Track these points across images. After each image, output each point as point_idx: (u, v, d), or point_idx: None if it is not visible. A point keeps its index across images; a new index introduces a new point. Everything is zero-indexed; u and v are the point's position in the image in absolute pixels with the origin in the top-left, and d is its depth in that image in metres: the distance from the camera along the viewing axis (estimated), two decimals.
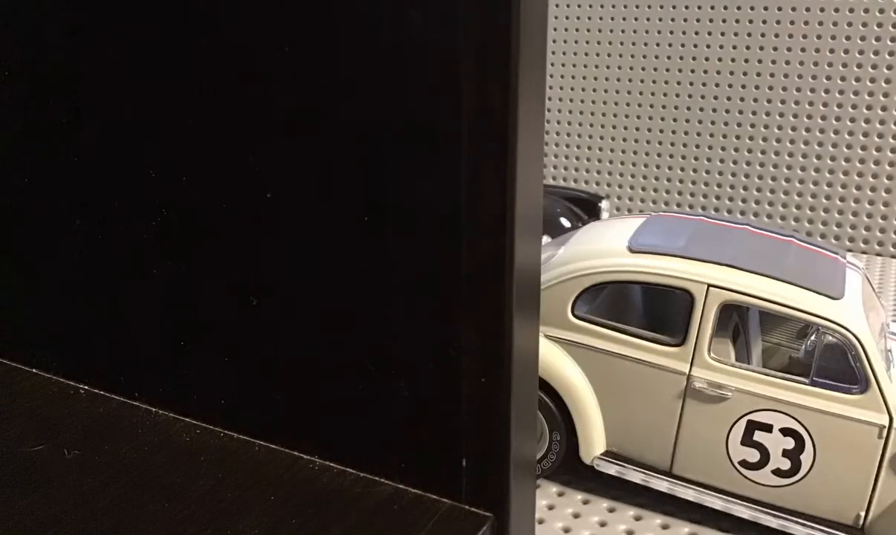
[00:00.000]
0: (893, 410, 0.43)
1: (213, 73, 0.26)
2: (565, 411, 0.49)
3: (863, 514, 0.44)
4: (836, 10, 0.84)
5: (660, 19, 0.94)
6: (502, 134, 0.22)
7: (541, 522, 0.49)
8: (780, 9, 0.87)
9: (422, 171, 0.23)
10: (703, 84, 0.93)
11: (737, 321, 0.49)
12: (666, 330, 0.48)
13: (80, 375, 0.32)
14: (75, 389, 0.32)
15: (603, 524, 0.48)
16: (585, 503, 0.50)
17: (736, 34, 0.90)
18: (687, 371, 0.46)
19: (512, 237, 0.23)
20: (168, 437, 0.29)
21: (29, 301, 0.33)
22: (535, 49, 0.22)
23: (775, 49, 0.88)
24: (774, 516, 0.45)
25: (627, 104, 0.98)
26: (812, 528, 0.45)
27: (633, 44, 0.96)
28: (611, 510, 0.50)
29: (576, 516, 0.49)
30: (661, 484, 0.48)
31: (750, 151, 0.91)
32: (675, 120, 0.95)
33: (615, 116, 0.99)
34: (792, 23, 0.86)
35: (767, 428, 0.45)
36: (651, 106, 0.96)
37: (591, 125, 1.01)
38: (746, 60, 0.90)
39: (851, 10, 0.83)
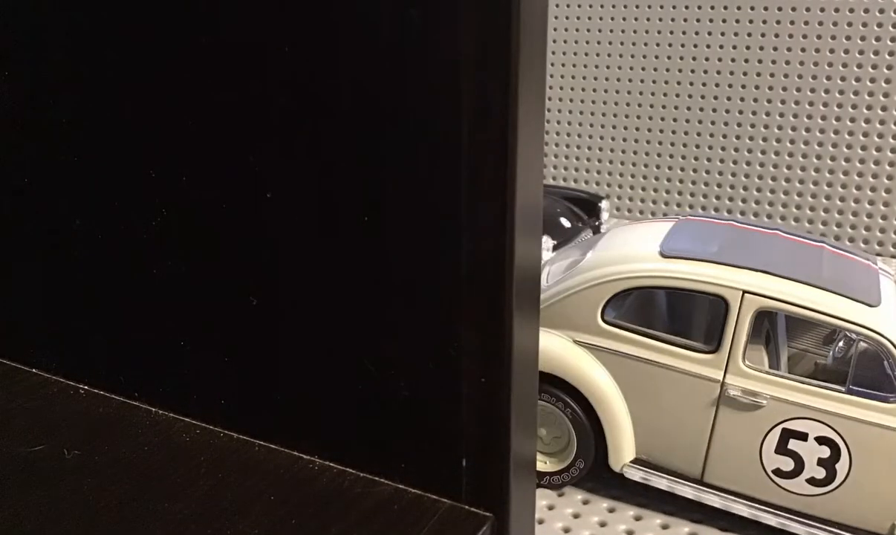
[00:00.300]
0: None
1: (213, 73, 0.26)
2: (594, 418, 0.49)
3: None
4: (836, 10, 0.84)
5: (660, 19, 0.94)
6: (502, 134, 0.22)
7: (541, 522, 0.49)
8: (780, 9, 0.87)
9: (422, 171, 0.23)
10: (704, 84, 0.93)
11: (768, 328, 0.49)
12: (695, 336, 0.48)
13: (80, 375, 0.32)
14: (75, 389, 0.32)
15: (603, 525, 0.48)
16: (585, 503, 0.50)
17: (736, 34, 0.90)
18: (721, 379, 0.46)
19: (512, 237, 0.23)
20: (168, 437, 0.29)
21: (29, 301, 0.33)
22: (535, 49, 0.22)
23: (775, 49, 0.88)
24: (806, 524, 0.45)
25: (627, 104, 0.98)
26: None
27: (633, 44, 0.96)
28: (611, 511, 0.50)
29: (576, 516, 0.49)
30: (691, 492, 0.48)
31: (750, 151, 0.91)
32: (675, 120, 0.95)
33: (615, 116, 0.99)
34: (792, 23, 0.86)
35: (802, 437, 0.44)
36: (651, 106, 0.96)
37: (591, 125, 1.01)
38: (747, 60, 0.90)
39: (851, 10, 0.83)
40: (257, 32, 0.25)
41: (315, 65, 0.24)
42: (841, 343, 0.49)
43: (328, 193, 0.25)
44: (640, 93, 0.97)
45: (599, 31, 0.97)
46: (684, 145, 0.95)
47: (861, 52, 0.84)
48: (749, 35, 0.89)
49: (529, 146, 0.22)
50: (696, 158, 0.95)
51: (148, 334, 0.30)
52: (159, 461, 0.28)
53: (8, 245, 0.33)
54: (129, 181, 0.29)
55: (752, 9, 0.88)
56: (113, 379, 0.31)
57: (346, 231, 0.25)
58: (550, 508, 0.50)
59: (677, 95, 0.94)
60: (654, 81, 0.95)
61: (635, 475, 0.49)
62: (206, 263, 0.28)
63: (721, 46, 0.91)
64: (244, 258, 0.27)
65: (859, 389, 0.44)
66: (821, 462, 0.44)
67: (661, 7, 0.93)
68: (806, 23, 0.86)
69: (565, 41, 1.00)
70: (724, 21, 0.90)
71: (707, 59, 0.92)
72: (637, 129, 0.98)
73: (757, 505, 0.46)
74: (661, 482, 0.48)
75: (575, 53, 1.00)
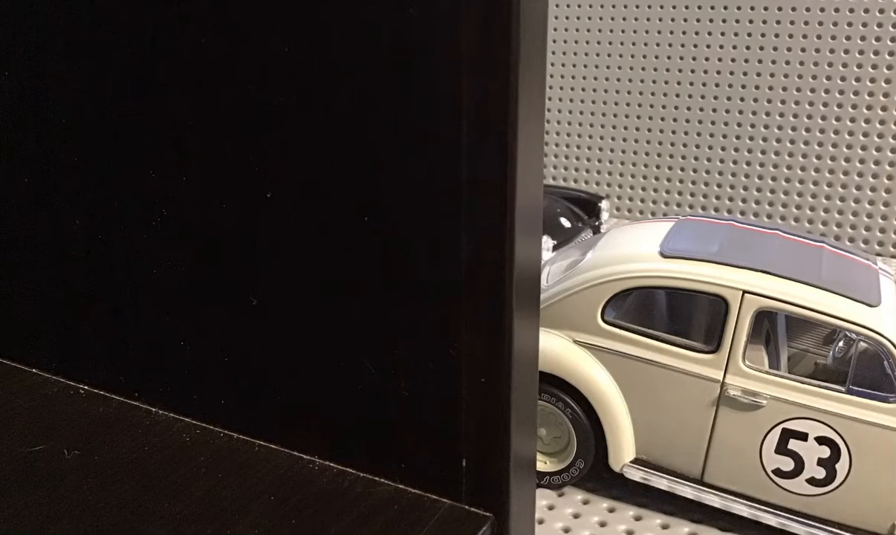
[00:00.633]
0: None
1: (213, 73, 0.26)
2: (594, 418, 0.49)
3: None
4: (837, 10, 0.84)
5: (660, 19, 0.94)
6: (502, 134, 0.22)
7: (541, 522, 0.49)
8: (780, 9, 0.87)
9: (422, 170, 0.23)
10: (704, 84, 0.93)
11: (767, 328, 0.49)
12: (695, 336, 0.48)
13: (80, 375, 0.32)
14: (75, 389, 0.32)
15: (603, 525, 0.48)
16: (585, 503, 0.50)
17: (736, 34, 0.90)
18: (721, 379, 0.46)
19: (512, 237, 0.23)
20: (168, 437, 0.29)
21: (29, 301, 0.33)
22: (535, 49, 0.22)
23: (775, 49, 0.88)
24: (806, 524, 0.45)
25: (627, 104, 0.98)
26: None
27: (633, 44, 0.96)
28: (611, 510, 0.50)
29: (576, 516, 0.49)
30: (691, 492, 0.48)
31: (750, 151, 0.91)
32: (675, 120, 0.95)
33: (615, 116, 0.99)
34: (792, 23, 0.86)
35: (803, 437, 0.44)
36: (651, 106, 0.96)
37: (591, 125, 1.01)
38: (747, 61, 0.90)
39: (851, 10, 0.83)
40: (257, 32, 0.25)
41: (315, 65, 0.24)
42: (841, 343, 0.49)
43: (328, 193, 0.25)
44: (640, 93, 0.97)
45: (599, 31, 0.97)
46: (684, 145, 0.95)
47: (861, 52, 0.84)
48: (749, 35, 0.89)
49: (529, 146, 0.22)
50: (695, 158, 0.95)
51: (148, 334, 0.30)
52: (159, 461, 0.28)
53: (8, 245, 0.33)
54: (129, 181, 0.29)
55: (752, 9, 0.88)
56: (113, 379, 0.31)
57: (346, 231, 0.25)
58: (550, 508, 0.50)
59: (677, 95, 0.94)
60: (654, 81, 0.95)
61: (635, 475, 0.49)
62: (206, 262, 0.28)
63: (721, 47, 0.91)
64: (244, 258, 0.27)
65: (859, 389, 0.44)
66: (821, 462, 0.44)
67: (661, 7, 0.93)
68: (806, 23, 0.86)
69: (565, 41, 1.00)
70: (724, 21, 0.90)
71: (707, 60, 0.92)
72: (637, 129, 0.98)
73: (757, 505, 0.46)
74: (661, 483, 0.48)
75: (575, 53, 1.00)
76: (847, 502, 0.44)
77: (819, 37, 0.85)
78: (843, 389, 0.44)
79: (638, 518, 0.49)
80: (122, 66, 0.28)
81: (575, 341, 0.49)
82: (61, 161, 0.30)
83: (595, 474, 0.51)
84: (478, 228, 0.23)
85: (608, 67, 0.98)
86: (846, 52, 0.85)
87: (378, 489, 0.26)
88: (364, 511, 0.25)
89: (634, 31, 0.95)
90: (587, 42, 0.99)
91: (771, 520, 0.46)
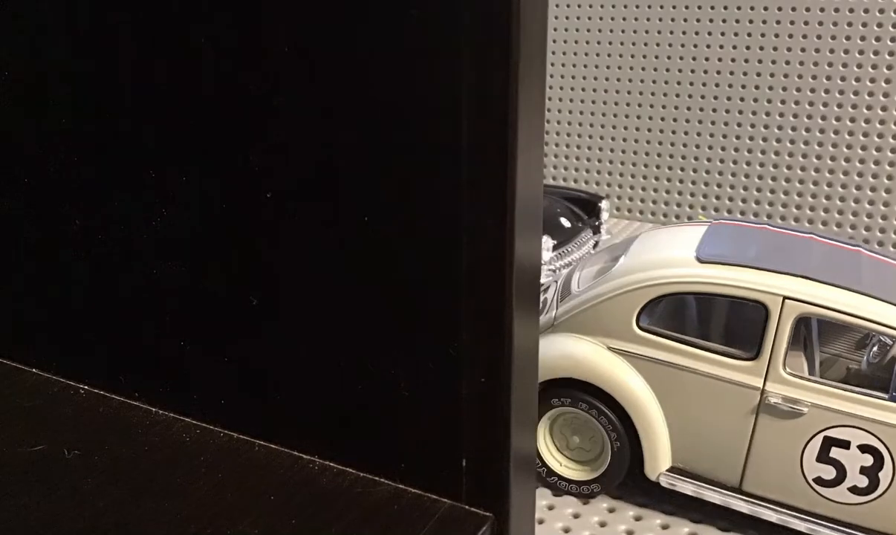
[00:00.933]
0: None
1: (213, 73, 0.26)
2: (629, 426, 0.48)
3: None
4: (836, 10, 0.84)
5: (660, 19, 0.94)
6: (502, 133, 0.22)
7: (541, 522, 0.49)
8: (780, 9, 0.87)
9: (422, 170, 0.23)
10: (704, 84, 0.93)
11: (805, 334, 0.48)
12: (732, 342, 0.47)
13: (80, 375, 0.32)
14: (75, 389, 0.32)
15: (603, 525, 0.48)
16: (585, 503, 0.50)
17: (736, 34, 0.90)
18: (761, 386, 0.45)
19: (512, 237, 0.23)
20: (168, 437, 0.29)
21: (29, 301, 0.33)
22: (535, 49, 0.22)
23: (775, 49, 0.88)
24: (838, 531, 0.44)
25: (627, 104, 0.98)
26: None
27: (633, 44, 0.96)
28: (611, 511, 0.50)
29: (576, 516, 0.49)
30: (719, 498, 0.47)
31: (750, 151, 0.91)
32: (675, 120, 0.95)
33: (615, 116, 0.99)
34: (792, 23, 0.86)
35: (845, 445, 0.44)
36: (651, 106, 0.96)
37: (591, 125, 1.01)
38: (747, 61, 0.90)
39: (851, 10, 0.83)
40: (257, 33, 0.25)
41: (314, 65, 0.24)
42: (875, 348, 0.49)
43: (328, 193, 0.25)
44: (641, 93, 0.97)
45: (599, 31, 0.97)
46: (684, 145, 0.95)
47: (861, 52, 0.84)
48: (749, 35, 0.89)
49: (529, 146, 0.22)
50: (696, 158, 0.95)
51: (148, 334, 0.30)
52: (159, 460, 0.28)
53: (8, 245, 0.33)
54: (129, 181, 0.29)
55: (752, 9, 0.88)
56: (113, 379, 0.31)
57: (346, 231, 0.25)
58: (550, 508, 0.50)
59: (677, 96, 0.94)
60: (654, 81, 0.95)
61: (674, 484, 0.48)
62: (206, 262, 0.28)
63: (721, 47, 0.91)
64: (244, 258, 0.27)
65: None
66: (863, 471, 0.44)
67: (661, 7, 0.93)
68: (806, 23, 0.86)
69: (565, 41, 1.00)
70: (724, 21, 0.90)
71: (707, 60, 0.92)
72: (637, 129, 0.98)
73: (787, 511, 0.45)
74: (703, 492, 0.47)
75: (575, 53, 1.00)
76: (891, 510, 0.44)
77: (819, 37, 0.85)
78: (886, 396, 0.43)
79: (638, 519, 0.49)
80: (123, 66, 0.28)
81: (609, 348, 0.48)
82: (61, 161, 0.30)
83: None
84: (478, 228, 0.23)
85: (608, 67, 0.98)
86: (846, 52, 0.85)
87: (378, 489, 0.26)
88: (364, 511, 0.25)
89: (634, 31, 0.95)
90: (587, 42, 0.99)
91: (801, 526, 0.45)
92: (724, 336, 0.49)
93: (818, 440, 0.44)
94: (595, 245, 0.81)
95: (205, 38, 0.26)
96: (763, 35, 0.88)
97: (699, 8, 0.91)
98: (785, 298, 0.44)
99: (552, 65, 1.01)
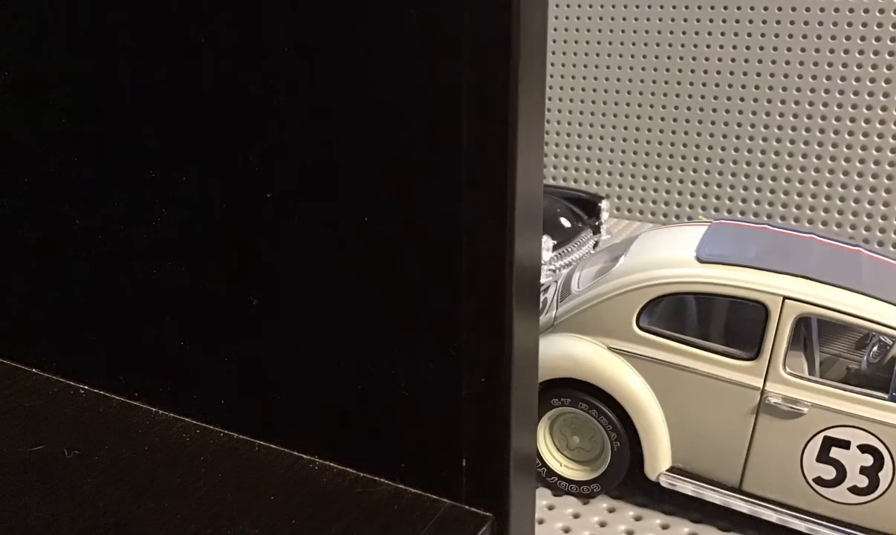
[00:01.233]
0: None
1: (213, 73, 0.26)
2: (629, 426, 0.48)
3: None
4: (836, 10, 0.84)
5: (660, 19, 0.94)
6: (502, 134, 0.22)
7: (541, 522, 0.49)
8: (780, 9, 0.87)
9: (422, 170, 0.23)
10: (704, 84, 0.93)
11: (804, 334, 0.48)
12: (732, 342, 0.47)
13: (80, 375, 0.32)
14: (75, 389, 0.32)
15: (603, 525, 0.48)
16: (585, 503, 0.50)
17: (736, 34, 0.90)
18: (761, 386, 0.45)
19: (512, 237, 0.23)
20: (168, 437, 0.29)
21: (29, 301, 0.33)
22: (535, 49, 0.22)
23: (775, 49, 0.88)
24: (838, 531, 0.44)
25: (627, 104, 0.98)
26: None
27: (633, 44, 0.96)
28: (611, 511, 0.50)
29: (576, 516, 0.49)
30: (719, 498, 0.47)
31: (750, 151, 0.91)
32: (675, 120, 0.95)
33: (615, 116, 0.99)
34: (792, 23, 0.86)
35: (845, 445, 0.44)
36: (651, 106, 0.96)
37: (591, 125, 1.01)
38: (747, 61, 0.90)
39: (851, 10, 0.83)
40: (256, 33, 0.25)
41: (315, 65, 0.24)
42: (875, 348, 0.49)
43: (328, 193, 0.25)
44: (641, 93, 0.97)
45: (599, 31, 0.97)
46: (684, 145, 0.95)
47: (861, 52, 0.84)
48: (749, 35, 0.89)
49: (529, 146, 0.22)
50: (696, 158, 0.95)
51: (148, 335, 0.30)
52: (159, 461, 0.28)
53: (8, 245, 0.33)
54: (128, 181, 0.29)
55: (752, 9, 0.88)
56: (113, 379, 0.31)
57: (346, 231, 0.25)
58: (550, 508, 0.50)
59: (677, 96, 0.94)
60: (654, 81, 0.95)
61: (674, 484, 0.48)
62: (205, 262, 0.28)
63: (721, 47, 0.91)
64: (244, 258, 0.27)
65: None
66: (864, 471, 0.44)
67: (661, 7, 0.93)
68: (806, 23, 0.86)
69: (565, 41, 1.00)
70: (724, 21, 0.90)
71: (707, 60, 0.92)
72: (637, 129, 0.98)
73: (786, 511, 0.45)
74: (703, 492, 0.47)
75: (575, 53, 1.00)
76: (891, 510, 0.44)
77: (819, 37, 0.85)
78: (886, 396, 0.43)
79: (638, 519, 0.49)
80: (123, 66, 0.28)
81: (609, 348, 0.48)
82: (61, 161, 0.30)
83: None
84: (478, 228, 0.23)
85: (608, 67, 0.98)
86: (846, 52, 0.85)
87: (378, 489, 0.26)
88: (364, 511, 0.25)
89: (634, 31, 0.95)
90: (587, 42, 0.99)
91: (801, 526, 0.45)
92: (724, 336, 0.49)
93: (818, 440, 0.44)
94: (595, 245, 0.81)
95: (205, 38, 0.26)
96: (763, 35, 0.88)
97: (699, 8, 0.91)
98: (785, 298, 0.44)
99: (552, 65, 1.01)
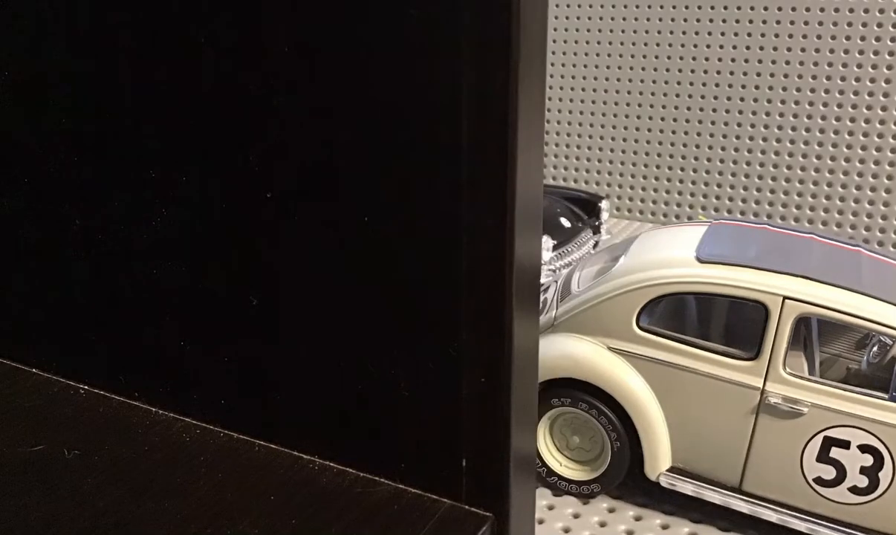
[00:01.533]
0: None
1: (213, 73, 0.26)
2: (629, 426, 0.48)
3: None
4: (836, 10, 0.84)
5: (660, 19, 0.94)
6: (502, 133, 0.22)
7: (541, 522, 0.49)
8: (780, 9, 0.87)
9: (422, 170, 0.23)
10: (704, 84, 0.93)
11: (804, 334, 0.48)
12: (732, 342, 0.47)
13: (80, 375, 0.32)
14: (75, 389, 0.32)
15: (603, 525, 0.48)
16: (585, 503, 0.50)
17: (736, 34, 0.90)
18: (761, 386, 0.45)
19: (512, 237, 0.23)
20: (168, 437, 0.29)
21: (29, 301, 0.33)
22: (535, 49, 0.22)
23: (775, 49, 0.88)
24: (842, 533, 0.44)
25: (627, 104, 0.98)
26: None
27: (633, 44, 0.96)
28: (611, 511, 0.50)
29: (576, 516, 0.49)
30: (719, 498, 0.47)
31: (750, 151, 0.91)
32: (675, 120, 0.95)
33: (615, 116, 0.99)
34: (792, 23, 0.86)
35: (845, 445, 0.44)
36: (651, 106, 0.96)
37: (591, 125, 1.01)
38: (747, 61, 0.90)
39: (851, 10, 0.83)
40: (256, 33, 0.25)
41: (315, 65, 0.24)
42: (875, 348, 0.49)
43: (328, 193, 0.25)
44: (641, 93, 0.97)
45: (599, 31, 0.97)
46: (684, 145, 0.95)
47: (861, 53, 0.84)
48: (749, 35, 0.89)
49: (529, 146, 0.22)
50: (696, 158, 0.95)
51: (148, 335, 0.30)
52: (159, 460, 0.28)
53: (8, 245, 0.33)
54: (128, 181, 0.29)
55: (752, 9, 0.88)
56: (113, 379, 0.31)
57: (346, 231, 0.25)
58: (550, 508, 0.50)
59: (677, 95, 0.94)
60: (654, 81, 0.95)
61: (674, 484, 0.48)
62: (205, 262, 0.28)
63: (721, 47, 0.91)
64: (244, 258, 0.27)
65: None
66: (864, 471, 0.44)
67: (661, 7, 0.93)
68: (806, 23, 0.86)
69: (565, 41, 1.00)
70: (724, 21, 0.90)
71: (707, 60, 0.92)
72: (637, 129, 0.98)
73: (786, 511, 0.45)
74: (703, 492, 0.47)
75: (575, 53, 1.00)
76: (891, 510, 0.44)
77: (819, 37, 0.85)
78: (886, 396, 0.43)
79: (638, 518, 0.49)
80: (123, 66, 0.28)
81: (609, 348, 0.48)
82: (61, 161, 0.30)
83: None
84: (478, 228, 0.23)
85: (608, 67, 0.98)
86: (846, 52, 0.85)
87: (378, 489, 0.26)
88: (364, 511, 0.25)
89: (634, 31, 0.95)
90: (587, 42, 0.99)
91: (801, 526, 0.45)
92: (724, 336, 0.49)
93: (818, 440, 0.44)
94: (595, 245, 0.81)
95: (205, 38, 0.26)
96: (763, 35, 0.88)
97: (699, 8, 0.91)
98: (785, 298, 0.44)
99: (552, 65, 1.01)
